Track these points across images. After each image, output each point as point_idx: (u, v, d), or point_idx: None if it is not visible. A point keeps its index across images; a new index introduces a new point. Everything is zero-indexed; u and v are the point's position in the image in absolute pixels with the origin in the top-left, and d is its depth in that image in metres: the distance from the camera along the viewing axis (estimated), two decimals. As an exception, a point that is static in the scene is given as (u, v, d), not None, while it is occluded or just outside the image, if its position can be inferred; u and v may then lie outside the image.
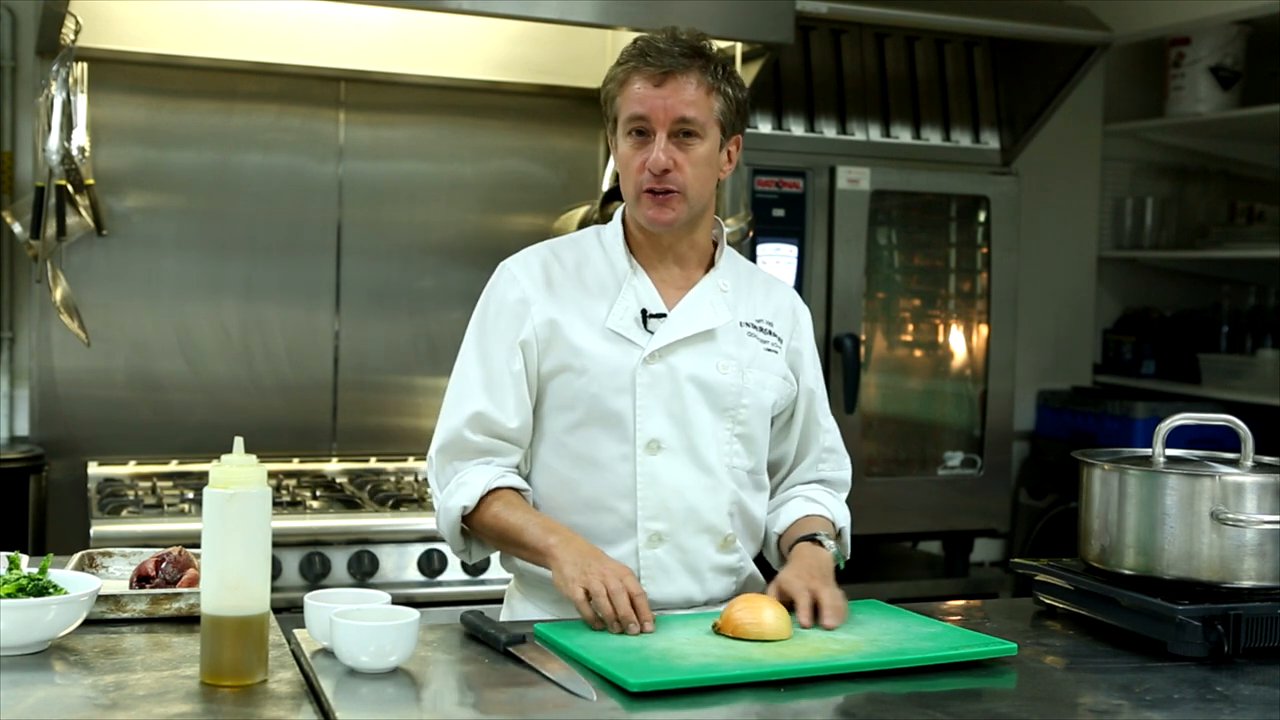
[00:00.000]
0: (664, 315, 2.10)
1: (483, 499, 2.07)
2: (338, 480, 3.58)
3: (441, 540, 3.05)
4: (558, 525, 2.05)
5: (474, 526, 2.10)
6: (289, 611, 2.12)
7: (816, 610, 1.94)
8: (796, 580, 1.99)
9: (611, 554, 2.07)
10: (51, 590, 1.77)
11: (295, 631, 1.83)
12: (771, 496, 2.27)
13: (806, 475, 2.27)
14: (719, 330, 2.12)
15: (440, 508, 2.12)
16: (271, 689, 1.63)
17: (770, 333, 2.18)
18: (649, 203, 2.06)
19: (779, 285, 2.28)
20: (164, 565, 1.98)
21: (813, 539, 2.11)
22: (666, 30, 2.09)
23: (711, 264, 2.17)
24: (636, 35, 2.14)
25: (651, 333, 2.09)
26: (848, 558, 2.22)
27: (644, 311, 2.10)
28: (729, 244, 2.24)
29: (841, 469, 2.30)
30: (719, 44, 3.54)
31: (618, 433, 2.08)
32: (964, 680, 1.77)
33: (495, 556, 2.25)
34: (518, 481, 2.11)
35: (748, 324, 2.16)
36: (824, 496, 2.25)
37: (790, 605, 1.95)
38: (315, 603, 1.79)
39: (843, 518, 2.24)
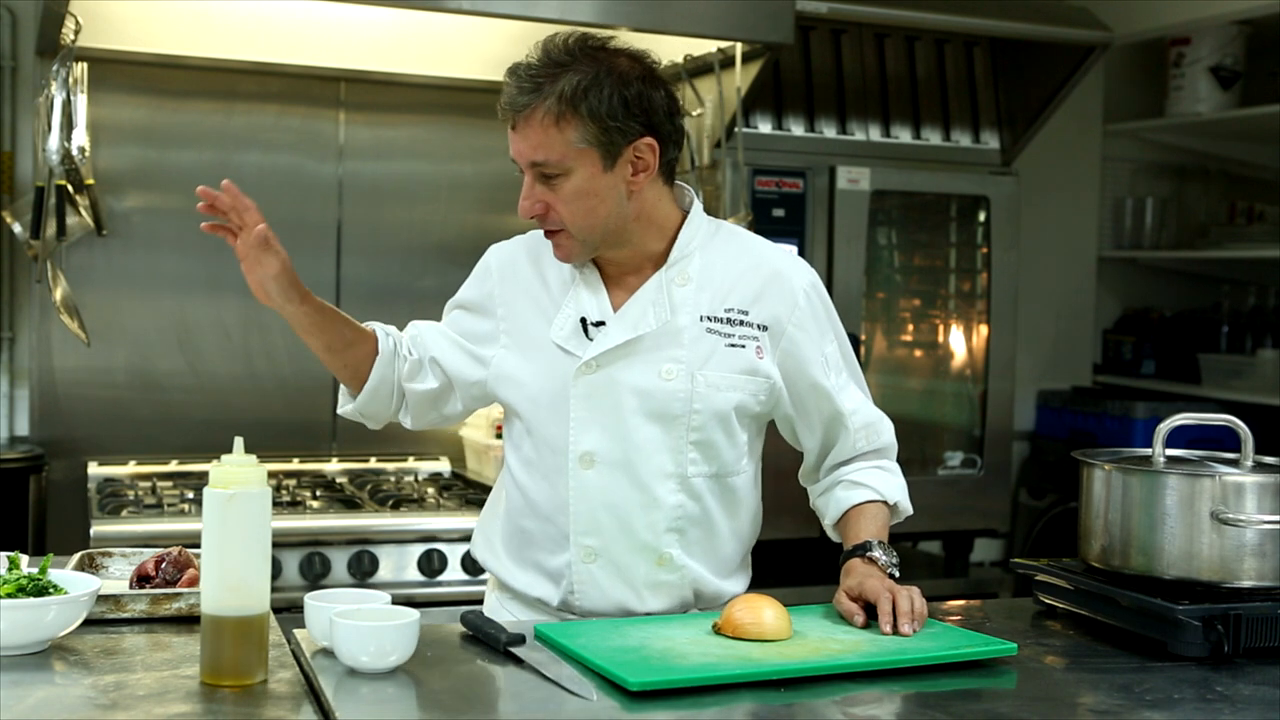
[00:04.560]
0: (604, 323, 2.05)
1: None
2: (338, 480, 3.58)
3: (442, 540, 3.10)
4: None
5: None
6: (289, 611, 2.12)
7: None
8: (868, 581, 1.94)
9: (550, 563, 2.09)
10: (51, 590, 1.77)
11: (295, 631, 1.83)
12: (815, 480, 2.22)
13: (845, 455, 2.17)
14: (664, 332, 2.03)
15: None
16: (271, 689, 1.63)
17: (742, 322, 2.06)
18: (550, 240, 2.05)
19: (772, 262, 2.13)
20: (164, 565, 1.98)
21: (865, 555, 2.02)
22: (542, 44, 2.02)
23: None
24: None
25: (591, 341, 2.04)
26: (910, 513, 2.17)
27: (583, 320, 2.05)
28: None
29: (881, 435, 2.19)
30: (719, 44, 3.58)
31: (556, 444, 2.05)
32: (964, 680, 1.77)
33: (486, 556, 2.22)
34: (383, 329, 2.15)
35: (710, 317, 2.05)
36: (869, 474, 2.15)
37: (871, 610, 1.92)
38: (315, 603, 1.79)
39: (895, 489, 2.15)
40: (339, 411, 2.23)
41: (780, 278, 2.10)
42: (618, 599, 2.06)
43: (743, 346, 2.06)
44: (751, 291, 2.08)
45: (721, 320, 2.06)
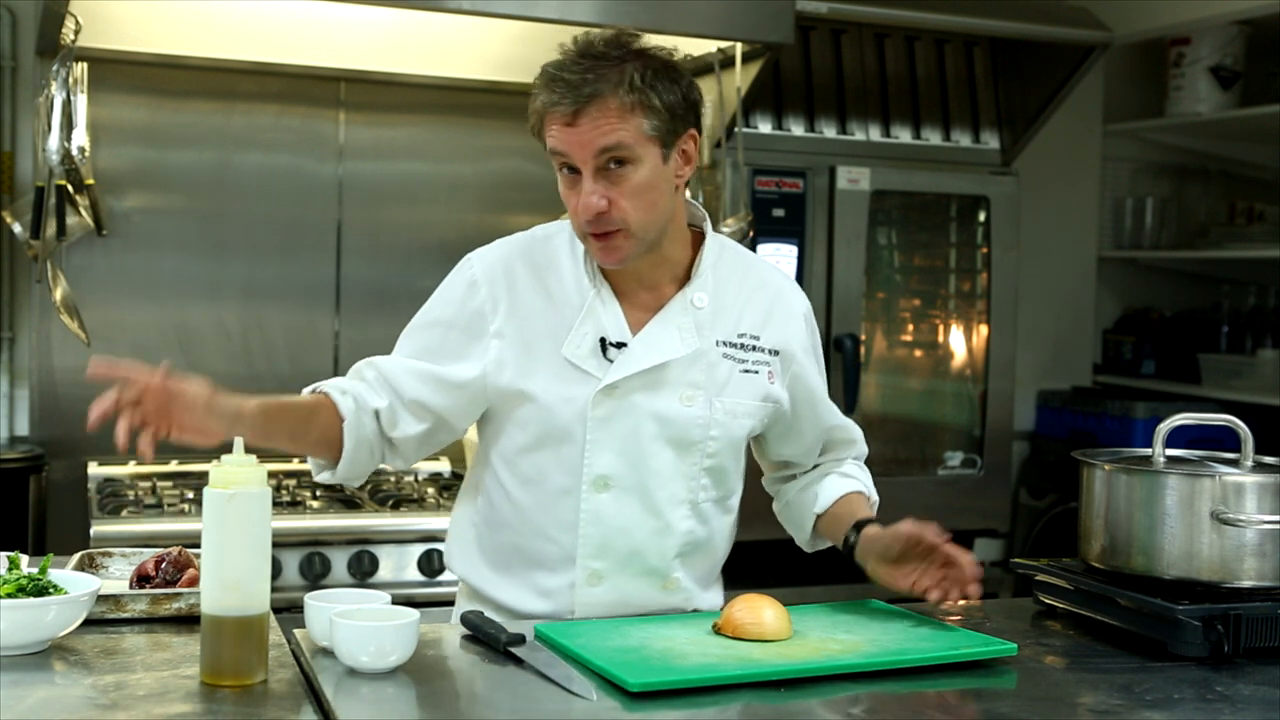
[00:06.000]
0: (624, 345, 1.98)
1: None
2: (338, 480, 3.58)
3: (441, 540, 3.09)
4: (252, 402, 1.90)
5: None
6: (289, 611, 2.12)
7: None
8: (918, 529, 1.92)
9: (550, 582, 2.03)
10: (51, 590, 1.77)
11: (295, 631, 1.83)
12: (789, 480, 2.22)
13: (826, 459, 2.21)
14: (685, 358, 1.99)
15: None
16: (271, 689, 1.63)
17: (754, 348, 2.05)
18: (594, 245, 1.94)
19: (774, 283, 2.12)
20: (164, 565, 1.98)
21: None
22: (580, 43, 1.91)
23: (688, 277, 2.03)
24: (549, 60, 1.94)
25: (611, 362, 1.97)
26: (873, 516, 2.16)
27: (603, 340, 1.99)
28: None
29: (856, 444, 2.22)
30: (719, 44, 3.58)
31: (566, 465, 1.99)
32: (964, 680, 1.77)
33: (466, 570, 2.17)
34: (337, 388, 2.02)
35: (725, 342, 2.03)
36: (855, 469, 2.18)
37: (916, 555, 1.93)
38: (315, 603, 1.79)
39: (872, 489, 2.19)
40: (317, 479, 2.06)
41: (785, 300, 2.10)
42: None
43: (756, 372, 2.05)
44: (761, 315, 2.07)
45: (736, 345, 2.04)
